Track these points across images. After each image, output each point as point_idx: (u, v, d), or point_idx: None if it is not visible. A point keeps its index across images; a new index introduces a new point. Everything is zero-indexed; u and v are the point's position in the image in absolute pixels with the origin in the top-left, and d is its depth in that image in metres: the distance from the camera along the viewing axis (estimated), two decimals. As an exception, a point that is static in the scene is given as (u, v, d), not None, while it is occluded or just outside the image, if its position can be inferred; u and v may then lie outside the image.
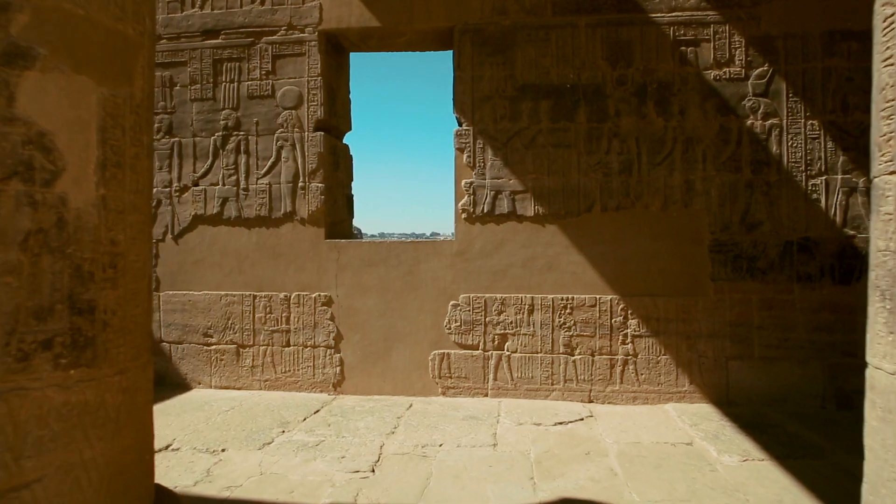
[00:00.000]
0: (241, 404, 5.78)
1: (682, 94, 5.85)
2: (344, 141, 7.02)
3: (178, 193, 6.54)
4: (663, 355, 5.84)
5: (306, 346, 6.29)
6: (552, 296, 5.95)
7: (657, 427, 5.00)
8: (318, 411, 5.55)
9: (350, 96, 7.06)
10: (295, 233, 6.31)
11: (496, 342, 6.01)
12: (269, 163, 6.36)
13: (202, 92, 6.48)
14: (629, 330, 5.87)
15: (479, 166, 6.04)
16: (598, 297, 5.90)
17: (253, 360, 6.38)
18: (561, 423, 5.10)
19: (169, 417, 5.31)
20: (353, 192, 7.18)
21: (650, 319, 5.86)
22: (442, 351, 6.07)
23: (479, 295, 6.02)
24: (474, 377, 6.03)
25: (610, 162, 5.91)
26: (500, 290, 6.01)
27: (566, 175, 5.96)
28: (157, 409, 5.62)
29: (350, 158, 7.11)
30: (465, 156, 6.06)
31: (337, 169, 6.67)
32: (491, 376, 6.01)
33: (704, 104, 5.83)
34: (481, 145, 6.04)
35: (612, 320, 5.89)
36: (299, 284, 6.29)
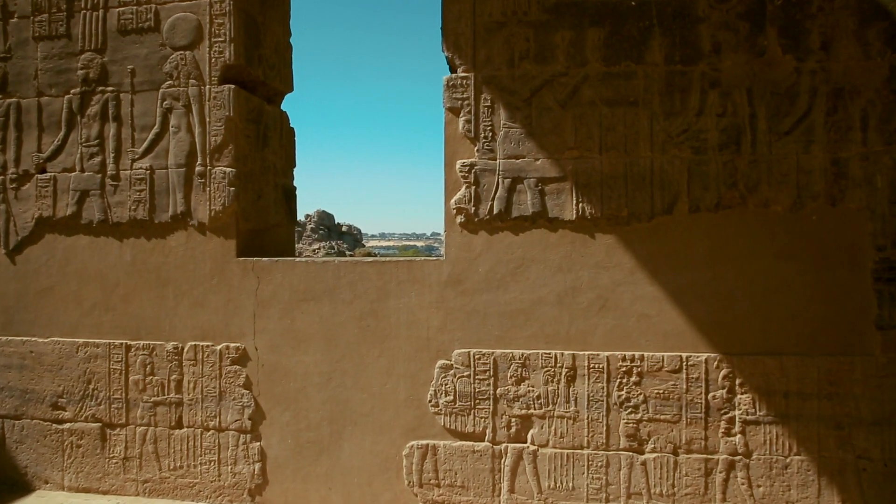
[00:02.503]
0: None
1: (825, 15, 3.47)
2: (282, 107, 4.65)
3: (14, 184, 4.18)
4: (795, 455, 3.45)
5: (208, 429, 3.92)
6: (606, 353, 3.56)
7: None
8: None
9: (291, 41, 4.69)
10: (190, 247, 3.94)
11: (513, 429, 3.63)
12: (151, 135, 4.00)
13: (51, 26, 4.12)
14: (737, 412, 3.48)
15: (486, 137, 3.66)
16: (683, 356, 3.52)
17: (126, 448, 4.02)
18: None
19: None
20: (294, 185, 4.81)
21: (773, 394, 3.47)
22: (424, 442, 3.70)
23: (484, 351, 3.65)
24: (477, 487, 3.65)
25: (704, 130, 3.53)
26: (519, 344, 3.63)
27: (630, 152, 3.58)
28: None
29: (291, 134, 4.74)
30: (461, 121, 3.68)
31: (264, 146, 4.29)
32: (505, 486, 3.62)
33: (864, 32, 3.44)
34: (488, 103, 3.66)
35: (709, 395, 3.50)
36: (197, 329, 3.93)
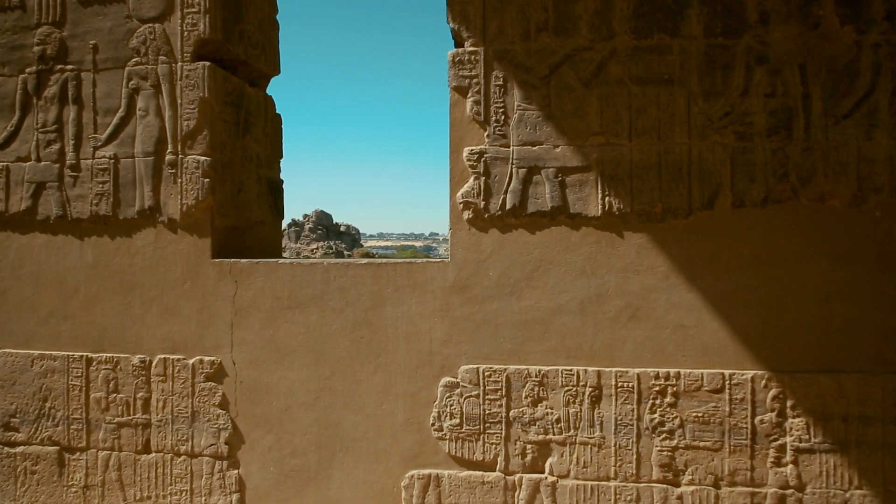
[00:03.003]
0: None
1: (890, -20, 2.99)
2: (267, 92, 4.17)
3: (-38, 176, 3.70)
4: (856, 489, 2.98)
5: (179, 454, 3.43)
6: (637, 370, 3.09)
7: None
8: None
9: (278, 18, 4.21)
10: (159, 246, 3.46)
11: (529, 458, 3.15)
12: (116, 120, 3.51)
13: (4, -4, 3.64)
14: (788, 438, 3.01)
15: (497, 121, 3.18)
16: (726, 373, 3.04)
17: (87, 475, 3.53)
18: None
19: None
20: (281, 178, 4.32)
21: (830, 418, 3.00)
22: (426, 471, 3.21)
23: (495, 367, 3.17)
24: (487, 523, 3.17)
25: (750, 112, 3.06)
26: (535, 359, 3.15)
27: (664, 138, 3.10)
28: None
29: (277, 121, 4.25)
30: (468, 102, 3.20)
31: (245, 133, 3.81)
32: (519, 523, 3.14)
33: (936, -1, 2.96)
34: (500, 81, 3.18)
35: (756, 419, 3.03)
36: (167, 341, 3.44)
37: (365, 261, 3.29)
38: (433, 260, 3.27)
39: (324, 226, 59.28)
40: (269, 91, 4.17)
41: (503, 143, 3.17)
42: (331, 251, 53.54)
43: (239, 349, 3.37)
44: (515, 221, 3.16)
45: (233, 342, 3.37)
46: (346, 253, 53.58)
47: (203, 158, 3.39)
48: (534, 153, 3.15)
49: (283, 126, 4.30)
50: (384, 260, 3.31)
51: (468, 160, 3.18)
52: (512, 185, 3.15)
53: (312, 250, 54.42)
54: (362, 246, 62.34)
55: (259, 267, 3.36)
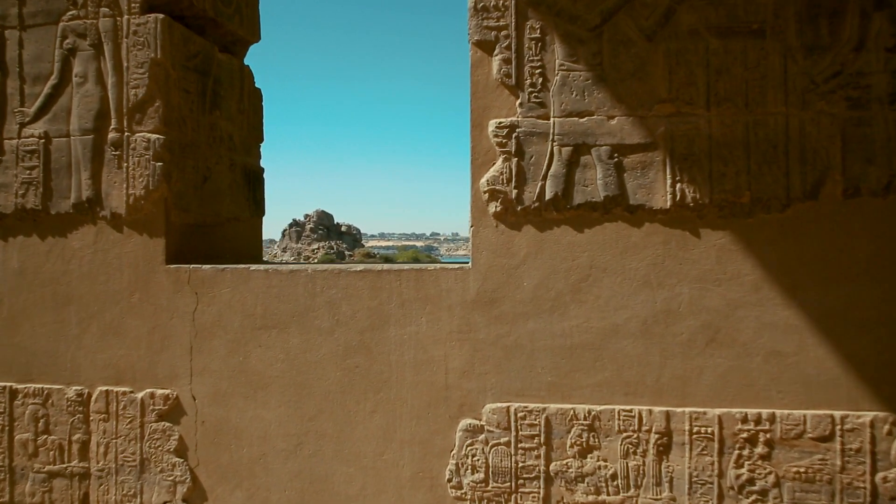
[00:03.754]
0: None
1: None
2: (245, 62, 3.44)
3: None
4: None
5: (126, 513, 2.70)
6: (718, 411, 2.34)
7: None
8: None
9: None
10: (101, 248, 2.72)
11: (575, 525, 2.41)
12: (48, 89, 2.78)
13: (-89, -64, 2.90)
14: (921, 502, 2.26)
15: (533, 85, 2.44)
16: (836, 415, 2.30)
17: (11, 537, 2.80)
18: None
19: None
20: (262, 166, 3.59)
21: (976, 475, 2.25)
22: (440, 541, 2.47)
23: (531, 406, 2.42)
24: None
25: (866, 72, 2.31)
26: (584, 395, 2.41)
27: (753, 106, 2.35)
28: None
29: (256, 97, 3.52)
30: (495, 61, 2.46)
31: (214, 107, 3.08)
32: None
33: None
34: (537, 34, 2.44)
35: (877, 476, 2.28)
36: (110, 369, 2.71)
37: (361, 267, 2.55)
38: (449, 266, 2.53)
39: (325, 226, 58.76)
40: (246, 60, 3.44)
41: (541, 114, 2.43)
42: (332, 251, 52.96)
43: (200, 380, 2.63)
44: (557, 216, 2.42)
45: (192, 371, 2.64)
46: (346, 253, 52.95)
47: (155, 137, 2.66)
48: (581, 126, 2.41)
49: (263, 103, 3.57)
50: (386, 266, 2.56)
51: (495, 136, 2.44)
52: (553, 168, 2.42)
53: (314, 250, 53.89)
54: (363, 246, 61.79)
55: (226, 275, 2.62)
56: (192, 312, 2.64)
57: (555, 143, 2.42)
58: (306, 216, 58.36)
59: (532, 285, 2.42)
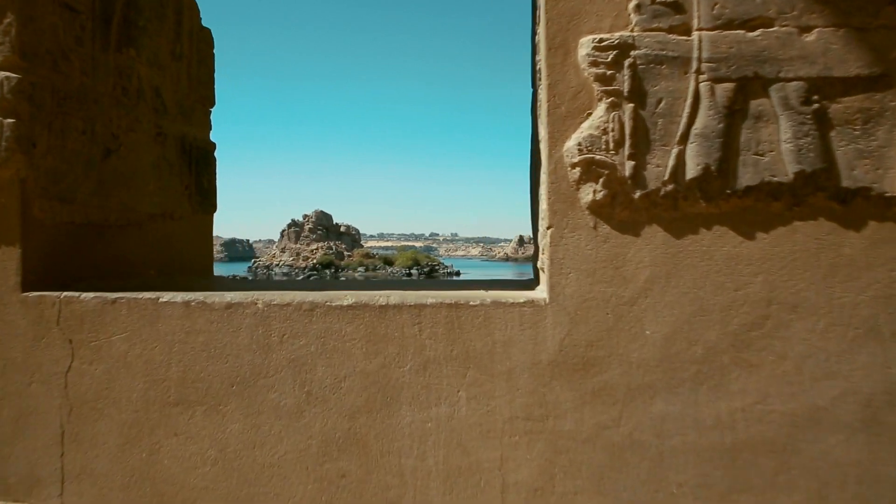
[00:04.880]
0: None
1: None
2: (188, -11, 2.33)
3: None
4: None
5: None
6: None
7: None
8: None
9: None
10: (-81, 265, 1.62)
11: None
12: None
13: None
14: None
15: (665, -29, 1.34)
16: None
17: None
18: None
19: None
20: (213, 141, 2.49)
21: None
22: None
23: (662, 556, 1.33)
24: None
25: None
26: (759, 537, 1.31)
27: None
28: None
29: (205, 41, 2.43)
30: (594, -70, 1.36)
31: (125, 43, 1.97)
32: None
33: None
34: None
35: None
36: (-68, 465, 1.61)
37: (350, 299, 1.44)
38: (508, 297, 1.42)
39: (324, 226, 57.81)
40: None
41: (675, 24, 1.34)
42: (331, 251, 52.07)
43: (77, 490, 1.54)
44: (708, 208, 1.33)
45: (65, 474, 1.55)
46: (346, 254, 51.84)
47: (3, 75, 1.57)
48: (751, 46, 1.33)
49: (214, 50, 2.48)
50: (395, 297, 1.44)
51: (593, 65, 1.35)
52: (700, 121, 1.33)
53: (312, 251, 53.09)
54: (362, 246, 60.93)
55: (119, 310, 1.53)
56: (63, 373, 1.54)
57: (702, 77, 1.33)
58: (305, 216, 57.31)
59: (661, 335, 1.33)
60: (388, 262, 50.16)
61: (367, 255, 53.40)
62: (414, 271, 42.60)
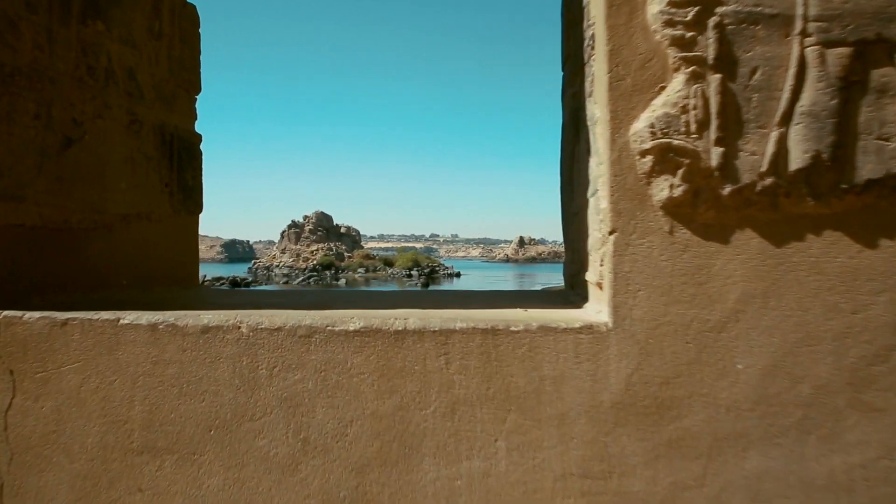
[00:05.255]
0: None
1: None
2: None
3: None
4: None
5: None
6: None
7: None
8: None
9: None
10: None
11: None
12: None
13: None
14: None
15: None
16: None
17: None
18: None
19: None
20: (198, 132, 2.20)
21: None
22: None
23: None
24: None
25: None
26: None
27: None
28: None
29: (190, 18, 2.14)
30: None
31: (92, 15, 1.68)
32: None
33: None
34: None
35: None
36: None
37: (359, 322, 1.15)
38: (559, 321, 1.13)
39: (324, 227, 57.59)
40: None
41: (778, -29, 1.05)
42: (331, 252, 51.87)
43: (20, 555, 1.25)
44: (817, 207, 1.04)
45: (4, 536, 1.25)
46: (346, 255, 51.53)
47: (-68, 46, 1.27)
48: (872, 3, 1.03)
49: (200, 30, 2.19)
50: (414, 320, 1.15)
51: (668, 25, 1.06)
52: (806, 97, 1.04)
53: (312, 252, 52.92)
54: (362, 247, 60.76)
55: (71, 333, 1.23)
56: (2, 412, 1.25)
57: (809, 40, 1.04)
58: (305, 217, 57.05)
59: (756, 370, 1.03)
60: (389, 263, 49.91)
61: (368, 256, 53.12)
62: (414, 272, 42.32)
